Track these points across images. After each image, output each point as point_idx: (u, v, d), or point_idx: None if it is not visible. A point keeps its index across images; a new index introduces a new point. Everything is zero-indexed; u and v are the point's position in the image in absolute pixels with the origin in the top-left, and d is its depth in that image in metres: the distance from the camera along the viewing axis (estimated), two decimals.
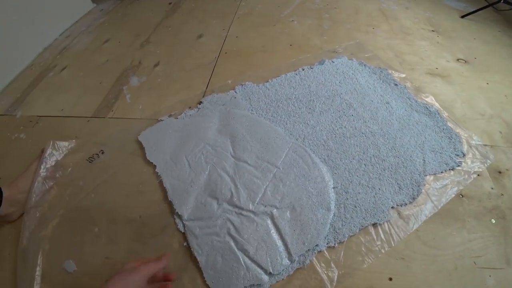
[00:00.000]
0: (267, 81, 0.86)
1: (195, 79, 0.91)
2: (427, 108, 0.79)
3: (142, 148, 0.71)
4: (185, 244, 0.55)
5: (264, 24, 1.16)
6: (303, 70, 0.90)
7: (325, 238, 0.55)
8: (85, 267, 0.54)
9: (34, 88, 0.95)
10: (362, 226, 0.57)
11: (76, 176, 0.67)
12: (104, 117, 0.82)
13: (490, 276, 0.53)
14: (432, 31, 1.13)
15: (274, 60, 0.97)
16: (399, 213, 0.61)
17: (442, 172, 0.67)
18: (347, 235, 0.56)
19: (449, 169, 0.68)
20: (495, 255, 0.56)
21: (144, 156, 0.69)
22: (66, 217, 0.61)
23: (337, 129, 0.74)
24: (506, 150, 0.74)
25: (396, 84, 0.85)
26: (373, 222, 0.58)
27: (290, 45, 1.03)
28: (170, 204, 0.61)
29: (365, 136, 0.73)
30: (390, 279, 0.51)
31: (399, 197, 0.62)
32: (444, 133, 0.74)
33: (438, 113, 0.78)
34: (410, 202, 0.62)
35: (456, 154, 0.70)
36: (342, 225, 0.57)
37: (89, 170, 0.68)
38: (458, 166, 0.68)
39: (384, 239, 0.57)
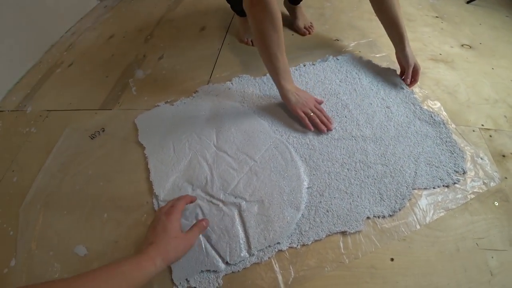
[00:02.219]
0: (265, 75, 0.86)
1: (198, 70, 0.92)
2: (431, 116, 0.73)
3: (137, 130, 0.76)
4: None
5: None
6: (304, 66, 0.87)
7: (289, 238, 0.54)
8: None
9: (43, 84, 0.98)
10: (330, 232, 0.55)
11: (79, 150, 0.75)
12: (111, 109, 0.85)
13: (492, 257, 0.54)
14: (436, 17, 1.11)
15: None
16: (374, 225, 0.57)
17: (434, 188, 0.62)
18: (312, 239, 0.54)
19: (444, 186, 0.62)
20: (498, 237, 0.56)
21: (137, 137, 0.74)
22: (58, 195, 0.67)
23: (329, 134, 0.72)
24: (511, 134, 0.74)
25: (402, 88, 0.80)
26: (343, 230, 0.56)
27: (292, 34, 1.03)
28: (151, 184, 0.64)
29: (355, 140, 0.70)
30: (392, 259, 0.52)
31: (378, 208, 0.58)
32: (446, 145, 0.68)
33: (444, 124, 0.72)
34: (390, 215, 0.58)
35: (455, 170, 0.64)
36: (309, 227, 0.56)
37: (89, 145, 0.76)
38: (455, 183, 0.62)
39: (351, 250, 0.54)
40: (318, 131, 0.70)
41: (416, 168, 0.64)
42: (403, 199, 0.59)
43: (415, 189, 0.61)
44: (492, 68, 0.91)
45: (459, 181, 0.63)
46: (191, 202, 0.57)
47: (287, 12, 1.07)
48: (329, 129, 0.70)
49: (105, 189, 0.67)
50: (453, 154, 0.67)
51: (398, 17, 0.75)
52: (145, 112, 0.79)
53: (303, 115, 0.70)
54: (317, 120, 0.69)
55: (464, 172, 0.64)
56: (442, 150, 0.68)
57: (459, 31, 1.04)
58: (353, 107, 0.76)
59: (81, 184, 0.68)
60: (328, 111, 0.75)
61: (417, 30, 1.03)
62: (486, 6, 1.20)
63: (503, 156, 0.69)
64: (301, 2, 1.00)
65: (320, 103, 0.75)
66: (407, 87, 0.80)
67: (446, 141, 0.69)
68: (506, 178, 0.65)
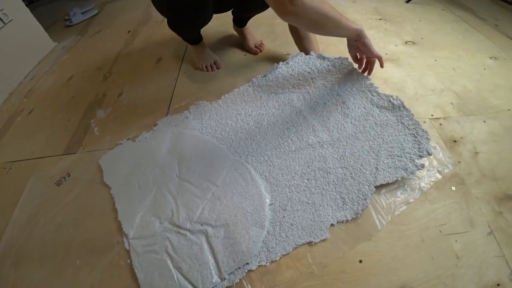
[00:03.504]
0: (220, 98, 0.86)
1: (157, 103, 0.93)
2: (390, 101, 0.72)
3: (102, 171, 0.75)
4: (128, 261, 0.58)
5: (220, 37, 1.20)
6: (256, 79, 0.86)
7: (257, 257, 0.55)
8: None
9: (4, 135, 0.95)
10: (297, 245, 0.56)
11: (45, 198, 0.73)
12: (75, 153, 0.83)
13: (456, 241, 0.56)
14: (380, 19, 1.19)
15: (230, 73, 1.00)
16: (339, 231, 0.58)
17: (398, 180, 0.62)
18: (279, 254, 0.55)
19: (408, 175, 0.62)
20: (458, 220, 0.59)
21: (102, 178, 0.73)
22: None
23: (283, 143, 0.72)
24: (459, 119, 0.79)
25: (357, 75, 0.78)
26: (308, 241, 0.56)
27: (245, 55, 1.07)
28: (120, 224, 0.64)
29: (312, 147, 0.70)
30: (361, 261, 0.54)
31: (341, 213, 0.59)
32: (408, 129, 0.67)
33: (404, 106, 0.70)
34: (353, 218, 0.59)
35: (419, 155, 0.63)
36: (275, 243, 0.56)
37: (56, 192, 0.74)
38: (420, 169, 0.62)
39: (320, 259, 0.55)
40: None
41: (377, 164, 0.64)
42: (365, 199, 0.60)
43: (377, 185, 0.62)
44: (435, 60, 0.97)
45: (423, 167, 0.63)
46: None
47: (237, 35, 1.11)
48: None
49: (76, 234, 0.65)
50: (416, 137, 0.66)
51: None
52: (109, 152, 0.79)
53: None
54: (381, 56, 0.73)
55: (430, 154, 0.64)
56: (405, 135, 0.67)
57: (401, 30, 1.12)
58: (307, 113, 0.76)
59: (51, 233, 0.66)
60: (283, 122, 0.76)
61: None
62: (423, 3, 1.30)
63: (454, 141, 0.74)
64: (249, 22, 1.05)
65: None
66: (360, 73, 0.78)
67: (408, 125, 0.68)
68: (459, 162, 0.69)
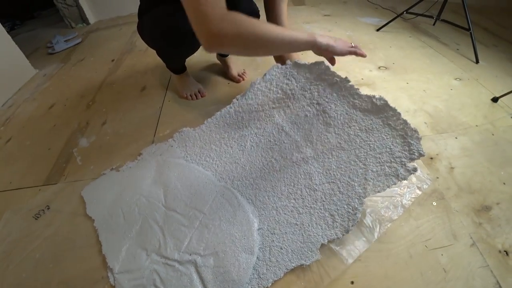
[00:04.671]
0: (203, 123, 0.84)
1: (142, 131, 0.92)
2: (373, 102, 0.65)
3: (84, 202, 0.72)
4: None
5: (203, 66, 1.23)
6: (237, 100, 0.82)
7: (248, 284, 0.54)
8: None
9: None
10: (288, 269, 0.55)
11: (22, 234, 0.69)
12: (56, 183, 0.80)
13: (442, 254, 0.58)
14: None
15: (213, 101, 1.03)
16: (330, 250, 0.58)
17: (389, 187, 0.59)
18: (271, 280, 0.53)
19: (400, 181, 0.58)
20: (442, 234, 0.62)
21: (85, 210, 0.70)
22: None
23: (267, 164, 0.71)
24: (433, 137, 0.84)
25: (336, 79, 0.71)
26: (299, 264, 0.55)
27: (228, 83, 1.11)
28: (104, 258, 0.61)
29: (297, 165, 0.68)
30: (352, 282, 0.54)
31: (331, 231, 0.57)
32: (396, 130, 0.62)
33: (388, 106, 0.64)
34: (344, 235, 0.57)
35: (410, 158, 0.58)
36: (266, 269, 0.55)
37: (34, 226, 0.70)
38: (412, 173, 0.58)
39: (312, 281, 0.54)
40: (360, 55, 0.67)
41: (365, 174, 0.60)
42: (355, 214, 0.58)
43: (366, 197, 0.59)
44: (407, 83, 1.05)
45: (416, 170, 0.58)
46: None
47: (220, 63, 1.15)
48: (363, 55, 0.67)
49: (56, 271, 0.61)
50: (406, 138, 0.60)
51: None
52: (92, 183, 0.76)
53: (345, 47, 0.66)
54: (354, 50, 0.67)
55: (422, 155, 0.58)
56: (393, 138, 0.61)
57: (374, 56, 1.21)
58: (289, 128, 0.74)
59: (28, 271, 0.61)
60: (266, 141, 0.74)
61: (339, 60, 1.13)
62: (392, 31, 1.42)
63: (431, 158, 0.78)
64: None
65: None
66: (339, 76, 0.72)
67: (395, 126, 0.62)
68: (437, 178, 0.73)
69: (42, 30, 1.91)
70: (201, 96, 1.04)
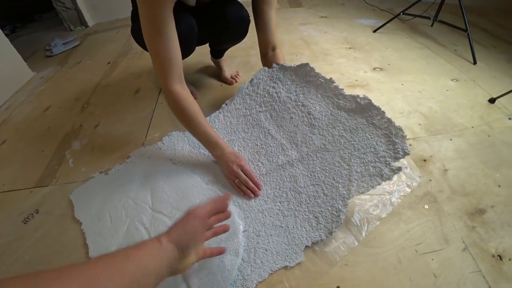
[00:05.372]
0: None
1: (134, 134, 0.92)
2: (357, 101, 0.65)
3: (73, 206, 0.72)
4: None
5: (197, 68, 1.23)
6: (226, 105, 0.84)
7: (233, 286, 0.53)
8: None
9: None
10: (272, 271, 0.55)
11: (12, 237, 0.68)
12: (47, 185, 0.80)
13: (432, 259, 0.57)
14: (349, 48, 1.27)
15: (206, 103, 1.02)
16: (315, 252, 0.57)
17: (373, 188, 0.58)
18: (255, 281, 0.54)
19: (384, 180, 0.58)
20: (433, 238, 0.60)
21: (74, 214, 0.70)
22: None
23: (254, 167, 0.71)
24: (427, 139, 0.83)
25: (320, 82, 0.72)
26: (284, 266, 0.55)
27: (221, 85, 1.10)
28: None
29: (282, 168, 0.69)
30: (338, 287, 0.53)
31: (316, 233, 0.58)
32: (381, 129, 0.62)
33: (372, 105, 0.64)
34: (327, 237, 0.57)
35: (395, 157, 0.58)
36: (251, 270, 0.55)
37: (24, 230, 0.70)
38: (397, 172, 0.58)
39: (297, 284, 0.54)
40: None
41: (349, 175, 0.60)
42: (338, 216, 0.58)
43: (350, 198, 0.59)
44: (402, 84, 1.04)
45: (400, 170, 0.57)
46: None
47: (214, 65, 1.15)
48: (256, 195, 0.67)
49: None
50: (390, 136, 0.60)
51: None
52: (80, 186, 0.77)
53: (231, 181, 0.70)
54: (243, 187, 0.68)
55: (407, 153, 0.58)
56: (378, 137, 0.61)
57: (370, 57, 1.20)
58: (275, 132, 0.75)
59: (18, 272, 0.62)
60: (253, 145, 0.76)
61: (334, 62, 1.16)
62: (389, 33, 1.41)
63: (424, 160, 0.77)
64: (225, 54, 1.09)
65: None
66: (324, 77, 0.72)
67: (380, 124, 0.62)
68: (430, 180, 0.72)
69: (42, 33, 1.93)
70: (194, 99, 1.03)
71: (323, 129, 0.69)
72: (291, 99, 0.76)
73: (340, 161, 0.63)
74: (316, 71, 0.74)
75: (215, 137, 0.71)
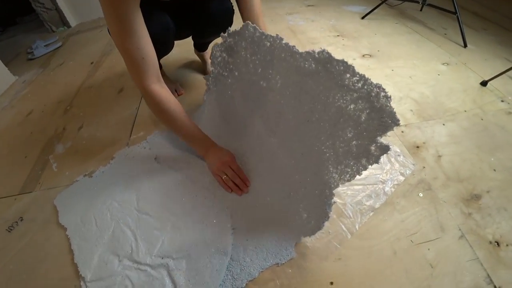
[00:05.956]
0: None
1: (118, 134, 0.89)
2: (316, 58, 0.47)
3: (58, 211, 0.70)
4: None
5: (181, 63, 1.20)
6: (205, 98, 0.81)
7: (222, 286, 0.52)
8: None
9: None
10: (262, 269, 0.53)
11: None
12: (31, 192, 0.77)
13: (428, 249, 0.55)
14: (337, 35, 1.24)
15: (191, 99, 0.99)
16: (306, 248, 0.56)
17: (359, 174, 0.48)
18: (245, 280, 0.52)
19: (371, 164, 0.46)
20: (429, 227, 0.59)
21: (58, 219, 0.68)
22: None
23: (240, 163, 0.70)
24: (419, 125, 0.81)
25: (268, 44, 0.57)
26: (274, 263, 0.54)
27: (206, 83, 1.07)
28: (77, 266, 0.59)
29: (268, 160, 0.66)
30: (332, 283, 0.51)
31: (307, 227, 0.55)
32: (356, 92, 0.43)
33: (333, 58, 0.45)
34: (319, 229, 0.51)
35: (382, 129, 0.42)
36: (240, 269, 0.53)
37: (8, 239, 0.67)
38: (385, 152, 0.44)
39: (289, 281, 0.52)
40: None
41: (331, 160, 0.49)
42: (325, 209, 0.49)
43: (336, 188, 0.49)
44: (392, 70, 1.01)
45: (388, 149, 0.43)
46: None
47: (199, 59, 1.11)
48: (244, 192, 0.66)
49: (29, 282, 0.59)
50: (370, 99, 0.42)
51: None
52: (64, 190, 0.74)
53: (218, 178, 0.68)
54: (230, 183, 0.66)
55: (396, 122, 0.41)
56: (354, 104, 0.44)
57: (358, 44, 1.17)
58: (250, 119, 0.72)
59: (3, 283, 0.60)
60: (236, 139, 0.74)
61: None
62: (377, 19, 1.38)
63: (417, 147, 0.75)
64: (210, 46, 1.05)
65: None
66: (271, 36, 0.56)
67: (352, 84, 0.43)
68: (424, 167, 0.70)
69: (24, 36, 1.87)
70: (178, 95, 1.00)
71: (292, 106, 0.55)
72: (251, 73, 0.64)
73: (318, 144, 0.51)
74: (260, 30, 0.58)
75: (200, 135, 0.68)
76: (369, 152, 0.45)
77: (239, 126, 0.75)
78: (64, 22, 1.82)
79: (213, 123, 0.79)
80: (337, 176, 0.50)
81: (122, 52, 0.59)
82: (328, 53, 0.46)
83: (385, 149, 0.44)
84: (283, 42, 0.53)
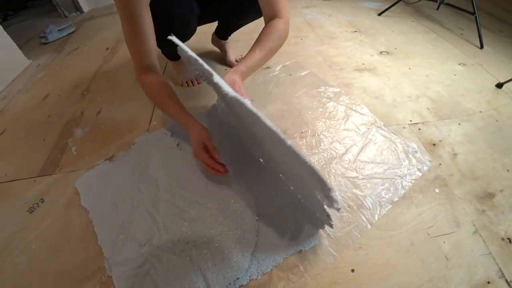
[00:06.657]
0: (198, 114, 0.87)
1: (137, 120, 0.90)
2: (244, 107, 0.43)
3: (79, 194, 0.71)
4: None
5: (200, 52, 1.20)
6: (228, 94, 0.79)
7: (247, 271, 0.53)
8: None
9: None
10: (287, 256, 0.55)
11: (18, 228, 0.67)
12: (51, 174, 0.79)
13: (444, 242, 0.57)
14: (355, 31, 1.24)
15: (208, 88, 0.98)
16: (328, 236, 0.58)
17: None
18: (270, 266, 0.53)
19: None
20: (445, 221, 0.60)
21: (80, 202, 0.70)
22: None
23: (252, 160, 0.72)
24: (436, 123, 0.82)
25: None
26: (298, 250, 0.55)
27: (225, 69, 1.07)
28: (101, 248, 0.60)
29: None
30: (353, 270, 0.53)
31: (324, 218, 0.54)
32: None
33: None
34: (338, 209, 0.42)
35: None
36: (265, 256, 0.55)
37: (29, 220, 0.69)
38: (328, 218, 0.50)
39: (312, 267, 0.53)
40: None
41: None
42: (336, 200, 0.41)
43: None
44: (409, 68, 1.02)
45: (330, 219, 0.51)
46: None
47: (217, 50, 1.12)
48: (224, 174, 0.62)
49: (53, 263, 0.60)
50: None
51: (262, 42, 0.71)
52: (85, 174, 0.75)
53: (201, 162, 0.65)
54: (209, 169, 0.62)
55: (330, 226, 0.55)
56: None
57: (375, 41, 1.17)
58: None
59: (25, 262, 0.61)
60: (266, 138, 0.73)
61: (339, 45, 1.13)
62: (394, 16, 1.37)
63: (434, 144, 0.76)
64: (229, 38, 1.05)
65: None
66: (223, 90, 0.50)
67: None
68: (440, 164, 0.71)
69: (35, 20, 1.86)
70: (198, 83, 1.01)
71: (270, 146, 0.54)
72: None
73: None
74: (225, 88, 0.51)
75: (182, 117, 0.67)
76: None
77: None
78: (77, 8, 1.81)
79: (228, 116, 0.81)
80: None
81: (127, 40, 0.67)
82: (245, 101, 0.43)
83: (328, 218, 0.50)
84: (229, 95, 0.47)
